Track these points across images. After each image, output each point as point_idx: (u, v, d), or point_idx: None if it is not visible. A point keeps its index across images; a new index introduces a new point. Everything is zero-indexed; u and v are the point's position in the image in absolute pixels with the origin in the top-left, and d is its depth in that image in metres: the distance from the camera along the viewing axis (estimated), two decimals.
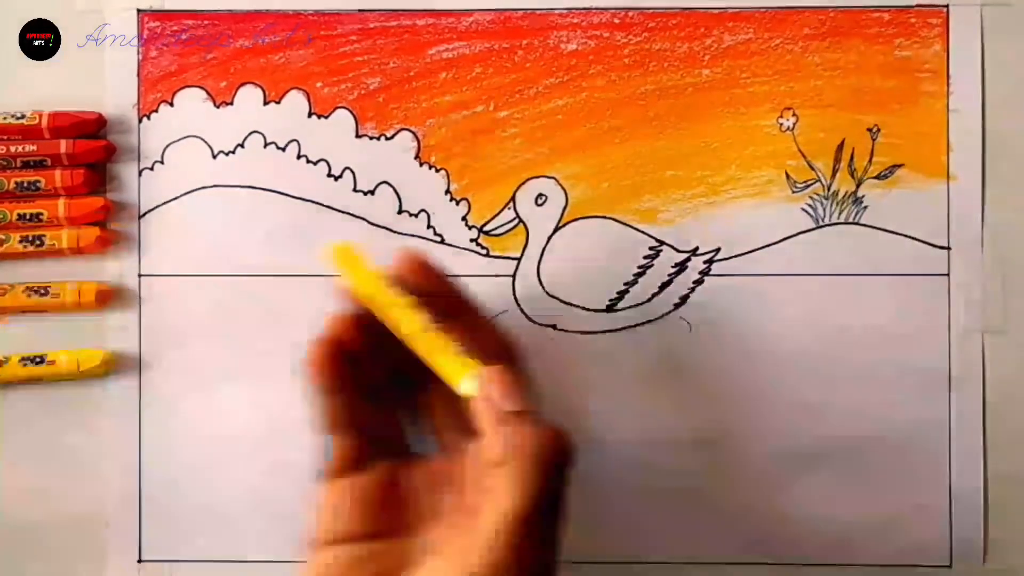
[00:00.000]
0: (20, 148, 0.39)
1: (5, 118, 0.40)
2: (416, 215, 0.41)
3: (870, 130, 0.40)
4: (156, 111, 0.41)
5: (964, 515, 0.40)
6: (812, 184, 0.40)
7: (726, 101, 0.41)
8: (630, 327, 0.41)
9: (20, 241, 0.40)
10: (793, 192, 0.40)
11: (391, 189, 0.41)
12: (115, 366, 0.41)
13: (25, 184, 0.40)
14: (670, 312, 0.41)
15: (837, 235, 0.40)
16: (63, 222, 0.40)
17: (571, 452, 0.29)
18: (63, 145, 0.40)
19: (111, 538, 0.41)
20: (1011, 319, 0.40)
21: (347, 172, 0.41)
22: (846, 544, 0.40)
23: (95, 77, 0.41)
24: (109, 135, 0.41)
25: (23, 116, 0.40)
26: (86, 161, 0.40)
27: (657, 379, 0.41)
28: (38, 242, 0.40)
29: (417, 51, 0.41)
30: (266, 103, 0.41)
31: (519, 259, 0.41)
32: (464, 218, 0.41)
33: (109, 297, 0.41)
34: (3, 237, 0.40)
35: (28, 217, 0.40)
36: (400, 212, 0.41)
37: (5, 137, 0.40)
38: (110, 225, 0.41)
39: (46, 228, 0.40)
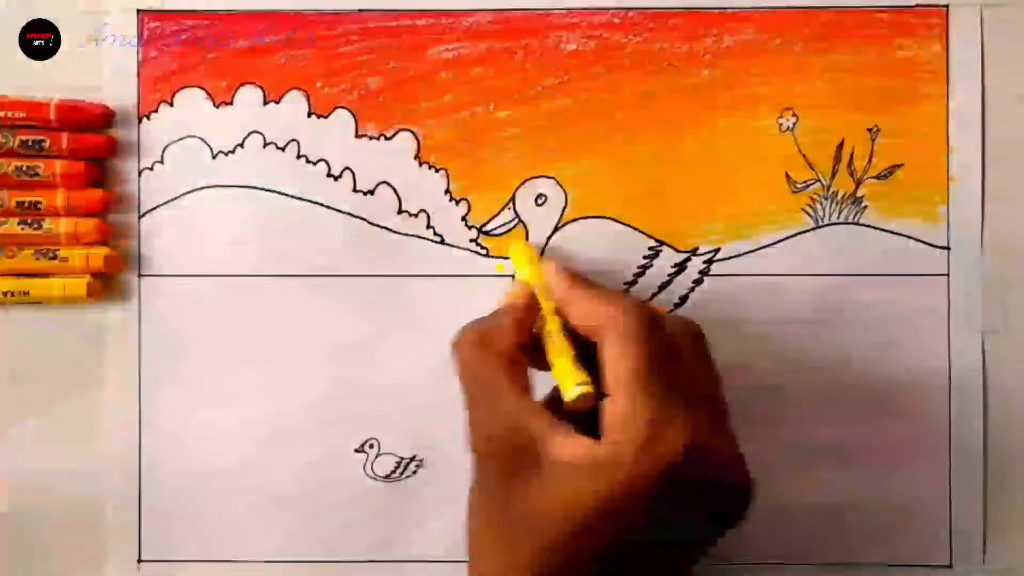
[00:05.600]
0: (23, 115, 0.39)
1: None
2: (416, 215, 0.41)
3: (870, 130, 0.40)
4: (156, 111, 0.41)
5: (964, 515, 0.40)
6: (812, 184, 0.40)
7: (726, 101, 0.41)
8: None
9: (19, 224, 0.40)
10: (793, 192, 0.40)
11: (391, 189, 0.41)
12: (100, 292, 0.40)
13: (24, 168, 0.40)
14: (670, 312, 0.41)
15: (837, 235, 0.40)
16: (61, 212, 0.40)
17: (655, 314, 0.32)
18: (65, 139, 0.40)
19: (111, 538, 0.41)
20: (1011, 319, 0.40)
21: (347, 172, 0.41)
22: (846, 544, 0.40)
23: (95, 77, 0.41)
24: (111, 133, 0.41)
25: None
26: (87, 156, 0.40)
27: None
28: (36, 225, 0.40)
29: (417, 51, 0.41)
30: (266, 103, 0.41)
31: None
32: (464, 218, 0.41)
33: (118, 264, 0.40)
34: (2, 220, 0.40)
35: (27, 205, 0.40)
36: (400, 212, 0.41)
37: (10, 113, 0.39)
38: (109, 219, 0.41)
39: (44, 216, 0.40)
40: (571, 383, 0.32)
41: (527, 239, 0.41)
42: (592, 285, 0.35)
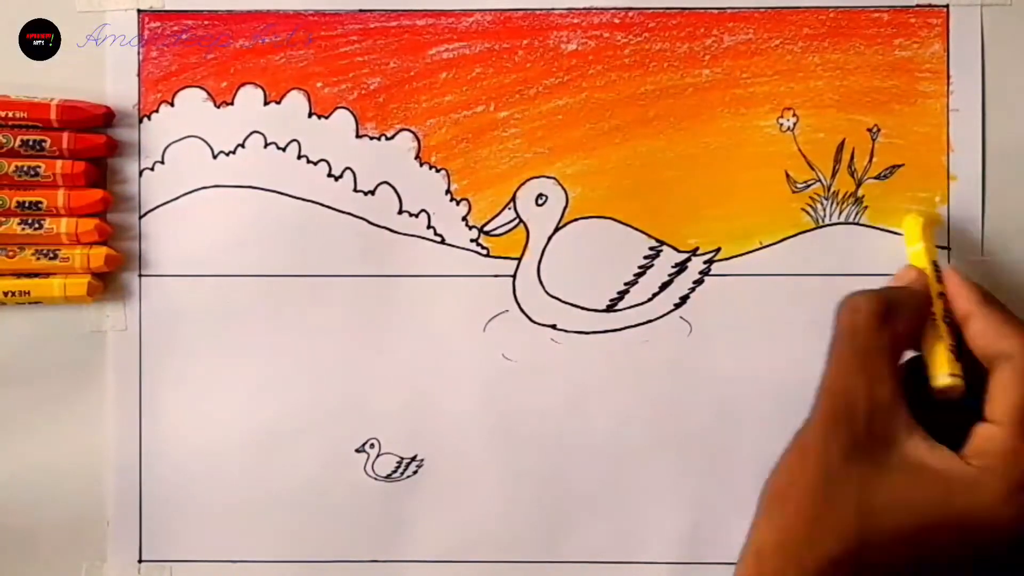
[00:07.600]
0: (23, 115, 0.39)
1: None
2: (416, 215, 0.41)
3: (870, 130, 0.40)
4: (156, 111, 0.41)
5: None
6: (812, 184, 0.40)
7: (726, 101, 0.41)
8: (630, 327, 0.41)
9: (19, 224, 0.40)
10: (793, 192, 0.40)
11: (391, 189, 0.41)
12: (100, 292, 0.40)
13: (25, 169, 0.40)
14: (670, 312, 0.41)
15: (837, 235, 0.40)
16: (62, 212, 0.40)
17: None
18: (65, 139, 0.40)
19: (111, 538, 0.41)
20: None
21: (347, 172, 0.41)
22: None
23: (95, 77, 0.41)
24: (111, 133, 0.41)
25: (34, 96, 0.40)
26: (88, 156, 0.40)
27: (657, 379, 0.41)
28: (37, 225, 0.40)
29: (417, 51, 0.41)
30: (266, 103, 0.41)
31: (519, 259, 0.41)
32: (464, 218, 0.41)
33: (118, 264, 0.40)
34: (2, 220, 0.40)
35: (28, 205, 0.40)
36: (400, 212, 0.41)
37: (11, 113, 0.39)
38: (109, 219, 0.41)
39: (45, 216, 0.40)
40: (945, 370, 0.33)
41: (528, 239, 0.41)
42: (999, 306, 0.34)
